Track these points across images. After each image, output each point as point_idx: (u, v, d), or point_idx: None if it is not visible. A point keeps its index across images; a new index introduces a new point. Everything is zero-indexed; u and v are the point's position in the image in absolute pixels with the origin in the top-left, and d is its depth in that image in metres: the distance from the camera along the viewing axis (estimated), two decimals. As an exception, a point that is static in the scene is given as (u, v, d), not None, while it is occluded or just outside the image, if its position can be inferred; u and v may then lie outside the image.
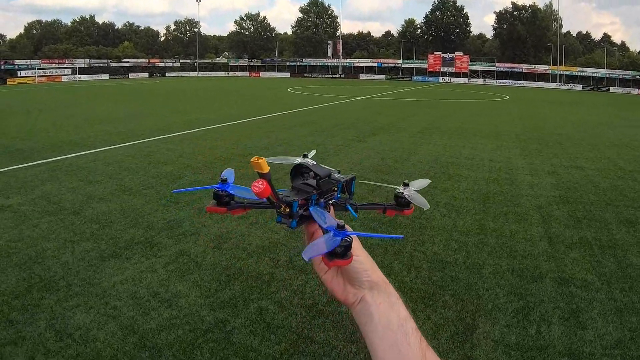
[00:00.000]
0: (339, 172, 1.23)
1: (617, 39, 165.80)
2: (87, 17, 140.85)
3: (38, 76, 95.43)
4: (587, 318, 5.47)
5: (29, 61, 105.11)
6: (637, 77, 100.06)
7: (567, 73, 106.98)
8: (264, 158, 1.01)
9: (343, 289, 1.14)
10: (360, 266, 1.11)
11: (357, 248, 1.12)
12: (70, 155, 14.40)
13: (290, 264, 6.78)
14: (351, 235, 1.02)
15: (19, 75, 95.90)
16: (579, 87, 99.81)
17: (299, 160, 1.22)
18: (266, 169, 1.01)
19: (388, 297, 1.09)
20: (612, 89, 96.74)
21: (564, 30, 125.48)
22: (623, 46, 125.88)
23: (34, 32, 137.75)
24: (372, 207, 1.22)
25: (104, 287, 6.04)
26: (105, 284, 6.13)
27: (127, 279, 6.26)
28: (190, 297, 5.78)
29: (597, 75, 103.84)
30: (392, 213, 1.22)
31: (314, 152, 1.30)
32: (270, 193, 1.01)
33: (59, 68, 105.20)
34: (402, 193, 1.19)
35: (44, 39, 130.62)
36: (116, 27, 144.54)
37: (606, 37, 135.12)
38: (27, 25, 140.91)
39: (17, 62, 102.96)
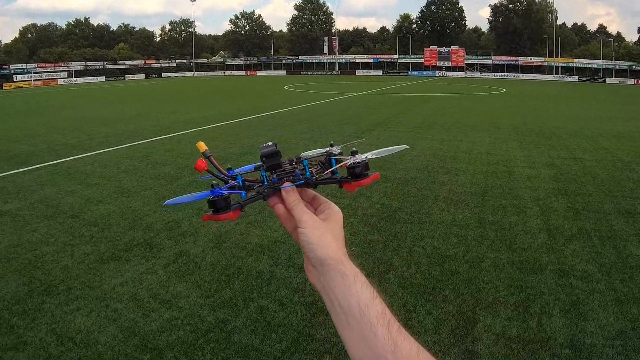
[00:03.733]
0: (336, 151, 1.19)
1: (612, 29, 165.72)
2: (82, 19, 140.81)
3: (34, 80, 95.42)
4: (587, 309, 5.47)
5: (24, 65, 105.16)
6: (634, 67, 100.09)
7: (563, 65, 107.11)
8: (202, 142, 1.16)
9: (306, 266, 1.08)
10: (304, 239, 1.04)
11: (306, 220, 1.07)
12: (68, 159, 14.40)
13: (289, 262, 6.77)
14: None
15: (15, 79, 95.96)
16: (575, 78, 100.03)
17: (325, 150, 1.23)
18: (202, 149, 1.16)
19: (342, 279, 0.98)
20: (608, 80, 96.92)
21: (559, 22, 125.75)
22: (619, 37, 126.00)
23: (29, 36, 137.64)
24: (329, 182, 1.15)
25: (104, 289, 6.04)
26: (106, 286, 6.12)
27: (127, 281, 6.25)
28: (190, 298, 5.78)
29: (594, 66, 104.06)
30: (348, 187, 1.13)
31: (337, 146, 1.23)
32: (204, 168, 1.14)
33: (55, 71, 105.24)
34: (354, 163, 1.11)
35: (39, 43, 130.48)
36: (111, 29, 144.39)
37: (602, 28, 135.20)
38: (22, 29, 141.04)
39: (12, 66, 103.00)
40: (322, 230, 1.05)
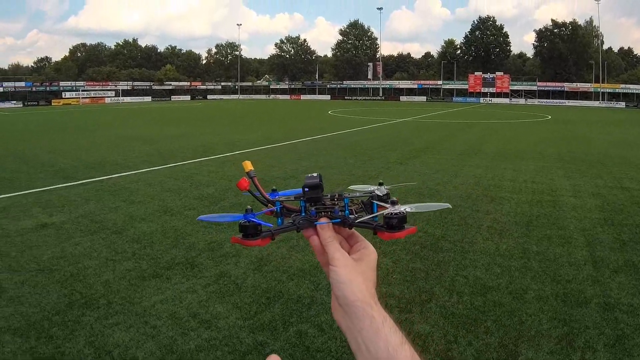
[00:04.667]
0: (382, 192, 1.19)
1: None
2: (130, 40, 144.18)
3: (82, 98, 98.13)
4: (633, 345, 5.31)
5: (73, 83, 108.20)
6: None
7: (610, 90, 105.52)
8: (249, 161, 1.20)
9: (333, 303, 1.08)
10: (334, 277, 1.04)
11: (337, 258, 1.06)
12: (113, 176, 14.72)
13: (330, 288, 6.73)
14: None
15: (63, 96, 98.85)
16: (622, 104, 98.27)
17: (374, 188, 1.23)
18: (247, 168, 1.19)
19: (370, 322, 0.97)
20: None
21: (605, 47, 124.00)
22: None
23: (79, 54, 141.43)
24: (364, 226, 1.13)
25: (144, 306, 6.11)
26: (146, 303, 6.19)
27: (167, 299, 6.31)
28: (229, 319, 5.79)
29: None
30: (382, 236, 1.10)
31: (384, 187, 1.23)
32: (246, 187, 1.14)
33: (103, 90, 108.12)
34: (391, 213, 1.10)
35: (88, 62, 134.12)
36: (158, 51, 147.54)
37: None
38: (71, 48, 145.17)
39: (62, 83, 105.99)
40: (353, 271, 1.04)
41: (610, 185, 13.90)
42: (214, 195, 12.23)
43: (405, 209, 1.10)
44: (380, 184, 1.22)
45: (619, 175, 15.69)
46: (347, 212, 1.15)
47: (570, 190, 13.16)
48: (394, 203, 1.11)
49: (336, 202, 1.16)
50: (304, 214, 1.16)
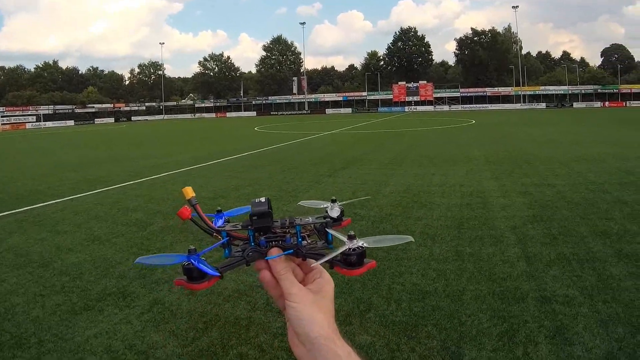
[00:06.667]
0: (336, 211, 1.13)
1: (576, 55, 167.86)
2: (50, 62, 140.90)
3: (2, 124, 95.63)
4: (573, 334, 5.40)
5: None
6: (599, 90, 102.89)
7: (530, 93, 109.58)
8: (190, 187, 1.09)
9: (291, 339, 1.02)
10: (293, 313, 0.98)
11: (295, 294, 1.00)
12: (37, 205, 14.17)
13: (267, 307, 6.62)
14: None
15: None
16: (542, 105, 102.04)
17: (326, 205, 1.17)
18: (188, 195, 1.09)
19: (334, 358, 0.93)
20: (575, 105, 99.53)
21: (524, 52, 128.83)
22: (583, 62, 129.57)
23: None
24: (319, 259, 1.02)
25: (77, 342, 5.83)
26: (79, 338, 5.92)
27: (101, 332, 6.06)
28: (167, 348, 5.60)
29: (560, 92, 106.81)
30: (342, 271, 1.02)
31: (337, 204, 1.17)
32: (188, 216, 1.08)
33: (23, 115, 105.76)
34: (350, 249, 1.01)
35: (7, 86, 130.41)
36: (80, 72, 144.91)
37: (566, 55, 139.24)
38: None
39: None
40: (313, 306, 1.00)
41: (536, 183, 14.29)
42: (142, 220, 11.92)
43: (363, 244, 1.02)
44: (333, 201, 1.16)
45: (544, 173, 16.16)
46: (299, 239, 1.07)
47: (498, 191, 13.43)
48: (351, 237, 1.02)
49: (287, 230, 1.08)
50: (252, 244, 1.08)
